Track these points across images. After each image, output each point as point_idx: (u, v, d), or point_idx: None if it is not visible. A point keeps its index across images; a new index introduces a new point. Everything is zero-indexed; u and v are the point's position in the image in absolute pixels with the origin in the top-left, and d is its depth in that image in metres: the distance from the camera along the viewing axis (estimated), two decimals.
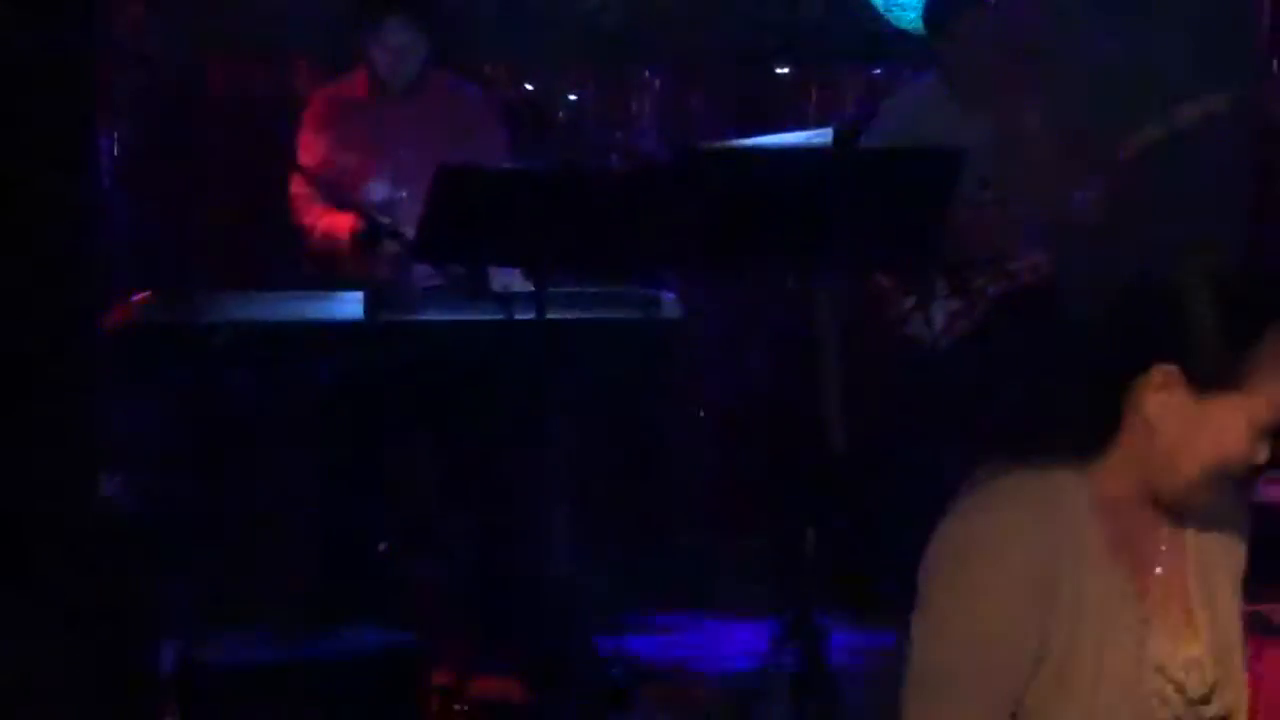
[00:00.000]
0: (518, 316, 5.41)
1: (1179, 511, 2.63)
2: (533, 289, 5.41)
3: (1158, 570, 2.64)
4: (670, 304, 5.90)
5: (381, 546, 6.35)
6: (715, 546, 7.35)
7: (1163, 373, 2.53)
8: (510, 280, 5.82)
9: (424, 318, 5.59)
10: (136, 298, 5.35)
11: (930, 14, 6.70)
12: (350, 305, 5.40)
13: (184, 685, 4.89)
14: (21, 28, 4.46)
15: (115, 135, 6.88)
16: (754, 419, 7.56)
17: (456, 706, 5.38)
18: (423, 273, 5.71)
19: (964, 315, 6.56)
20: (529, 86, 7.26)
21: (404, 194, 5.82)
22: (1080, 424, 2.62)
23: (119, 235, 6.82)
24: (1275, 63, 7.67)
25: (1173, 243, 2.68)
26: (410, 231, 5.47)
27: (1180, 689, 2.60)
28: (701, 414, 7.61)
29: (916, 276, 6.50)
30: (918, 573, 2.70)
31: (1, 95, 4.36)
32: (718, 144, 6.02)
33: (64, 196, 4.57)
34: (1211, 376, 2.52)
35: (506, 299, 5.53)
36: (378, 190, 5.96)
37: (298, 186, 6.04)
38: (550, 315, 5.25)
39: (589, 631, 5.49)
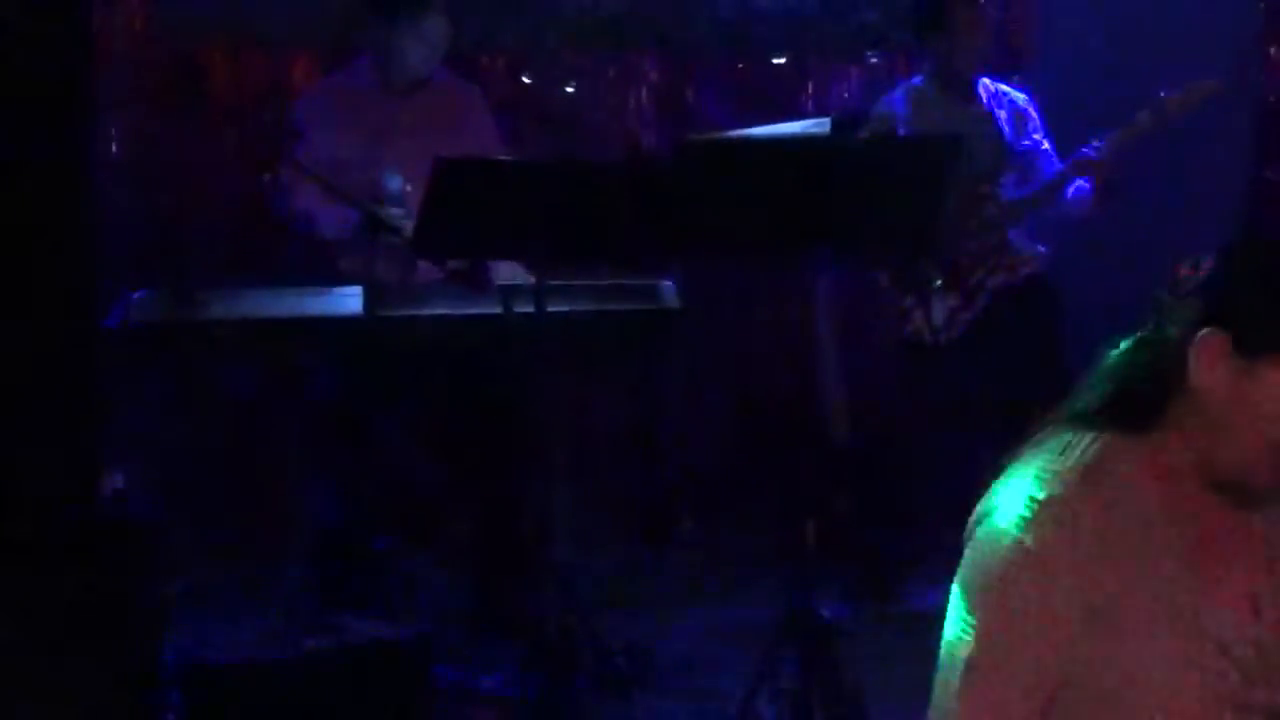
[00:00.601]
0: (517, 309, 5.42)
1: (1242, 492, 2.49)
2: (534, 282, 5.44)
3: (1221, 547, 2.49)
4: (669, 295, 5.90)
5: (383, 542, 6.35)
6: (717, 536, 7.35)
7: (1209, 338, 2.42)
8: (514, 273, 5.83)
9: (423, 312, 5.59)
10: (136, 295, 5.35)
11: (920, 12, 6.72)
12: (350, 300, 5.39)
13: (185, 682, 4.89)
14: (19, 23, 4.46)
15: (113, 131, 6.87)
16: (755, 410, 7.57)
17: (460, 699, 5.38)
18: (424, 270, 5.71)
19: (964, 310, 6.57)
20: (526, 78, 7.25)
21: (409, 187, 5.81)
22: (1131, 390, 2.51)
23: (118, 232, 6.81)
24: (1273, 49, 7.67)
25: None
26: (409, 227, 5.46)
27: (1242, 668, 2.46)
28: (701, 404, 7.61)
29: (917, 267, 6.50)
30: (959, 554, 2.56)
31: None
32: (715, 134, 6.01)
33: (62, 194, 4.57)
34: (1260, 339, 2.41)
35: (506, 292, 5.54)
36: (389, 181, 5.93)
37: (287, 175, 6.01)
38: (549, 308, 5.26)
39: (593, 622, 5.49)
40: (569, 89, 7.36)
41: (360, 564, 5.92)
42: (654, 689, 5.66)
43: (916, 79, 6.76)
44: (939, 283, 6.52)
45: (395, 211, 5.77)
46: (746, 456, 7.48)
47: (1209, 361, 2.42)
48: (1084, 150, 6.45)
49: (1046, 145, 6.71)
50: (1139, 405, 2.50)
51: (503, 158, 6.00)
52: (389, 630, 5.19)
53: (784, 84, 7.70)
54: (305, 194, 5.90)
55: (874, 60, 7.40)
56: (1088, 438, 2.50)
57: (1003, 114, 6.68)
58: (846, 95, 7.70)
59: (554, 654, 5.23)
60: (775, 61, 7.68)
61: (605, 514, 7.27)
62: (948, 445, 6.93)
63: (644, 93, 7.57)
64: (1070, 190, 6.54)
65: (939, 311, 6.51)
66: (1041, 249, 6.68)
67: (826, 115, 4.95)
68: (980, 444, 7.17)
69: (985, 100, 6.69)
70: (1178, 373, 2.45)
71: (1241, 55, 7.36)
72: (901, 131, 6.52)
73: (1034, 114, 6.76)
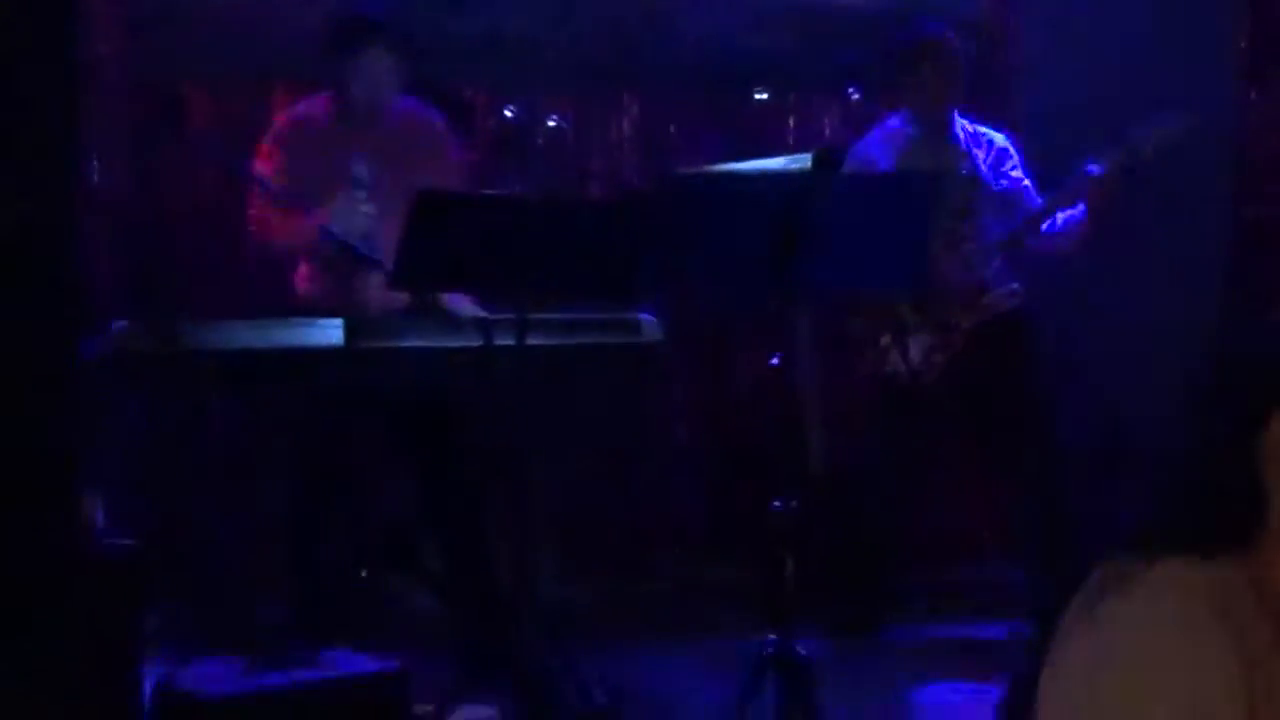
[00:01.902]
0: (498, 343, 5.42)
1: None
2: (486, 315, 5.45)
3: None
4: (650, 328, 5.91)
5: (363, 573, 6.35)
6: (696, 571, 7.35)
7: None
8: (463, 307, 5.84)
9: (404, 344, 5.58)
10: (117, 326, 5.34)
11: (892, 56, 6.74)
12: (330, 332, 5.39)
13: (165, 714, 4.88)
14: (2, 55, 4.46)
15: (95, 163, 6.87)
16: (734, 443, 7.57)
17: None
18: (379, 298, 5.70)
19: (940, 349, 6.58)
20: (509, 113, 7.26)
21: (384, 228, 5.81)
22: (1218, 505, 2.10)
23: (98, 263, 6.81)
24: (1252, 91, 7.70)
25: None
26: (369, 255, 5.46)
27: None
28: (681, 438, 7.62)
29: (893, 307, 6.52)
30: (1046, 677, 2.12)
31: None
32: (697, 170, 6.03)
33: (43, 225, 4.57)
34: None
35: (486, 325, 5.54)
36: (355, 166, 5.95)
37: (258, 209, 6.03)
38: (530, 341, 5.26)
39: (571, 657, 5.48)
40: (551, 124, 7.37)
41: (340, 597, 5.91)
42: None
43: (892, 120, 6.78)
44: (916, 321, 6.54)
45: (359, 194, 5.83)
46: (725, 491, 7.48)
47: None
48: (1089, 168, 6.42)
49: (1027, 183, 6.72)
50: (1231, 521, 2.10)
51: (484, 192, 6.01)
52: (368, 663, 5.19)
53: (766, 120, 7.72)
54: (274, 223, 5.94)
55: (855, 96, 7.41)
56: (1186, 567, 2.09)
57: (980, 154, 6.71)
58: (828, 131, 7.72)
59: (533, 688, 5.23)
60: (757, 97, 7.70)
61: (584, 548, 7.27)
62: (925, 481, 6.95)
63: (626, 128, 7.59)
64: (1060, 219, 6.53)
65: (915, 351, 6.53)
66: (1016, 286, 6.69)
67: (808, 151, 4.96)
68: (957, 481, 7.20)
69: (963, 140, 6.71)
70: (1250, 479, 2.08)
71: (1221, 96, 7.39)
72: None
73: (1014, 153, 6.78)
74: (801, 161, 4.92)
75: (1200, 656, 2.00)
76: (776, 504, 4.65)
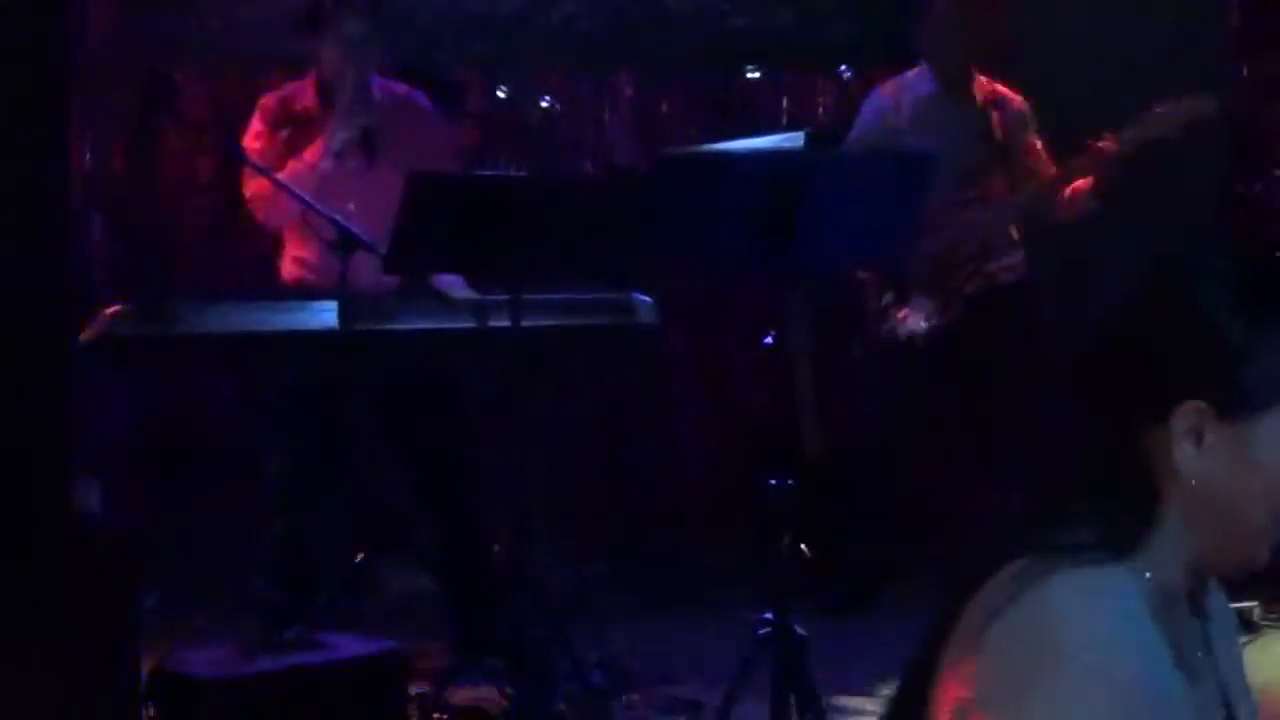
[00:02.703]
0: (493, 324, 5.42)
1: (1230, 578, 2.10)
2: (477, 297, 5.45)
3: (1203, 676, 2.07)
4: (645, 309, 5.91)
5: (358, 555, 6.36)
6: (692, 551, 7.36)
7: (1188, 413, 1.97)
8: (453, 289, 5.84)
9: (398, 327, 5.58)
10: (111, 310, 5.34)
11: (915, 9, 6.68)
12: (325, 315, 5.39)
13: (161, 696, 4.89)
14: None
15: (88, 147, 6.87)
16: (730, 422, 7.58)
17: (436, 715, 5.38)
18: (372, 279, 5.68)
19: (942, 313, 6.56)
20: (501, 93, 7.25)
21: (351, 205, 5.79)
22: (1111, 506, 2.01)
23: (93, 247, 6.82)
24: (1244, 67, 7.71)
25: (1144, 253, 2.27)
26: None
27: None
28: (677, 418, 7.62)
29: (894, 275, 6.51)
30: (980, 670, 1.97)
31: None
32: (691, 149, 6.02)
33: (37, 209, 4.57)
34: (1250, 394, 1.97)
35: (480, 307, 5.54)
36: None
37: (252, 189, 6.00)
38: (525, 322, 5.26)
39: (568, 636, 5.49)
40: (544, 104, 7.36)
41: (336, 579, 5.91)
42: (631, 702, 5.67)
43: (910, 73, 6.73)
44: (920, 283, 6.52)
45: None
46: (722, 470, 7.49)
47: (1195, 442, 1.98)
48: (1101, 143, 6.39)
49: (1040, 147, 6.69)
50: (1123, 524, 2.01)
51: (477, 173, 6.00)
52: (365, 645, 5.19)
53: (758, 98, 7.72)
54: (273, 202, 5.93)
55: (848, 74, 7.41)
56: (1082, 570, 1.98)
57: (997, 115, 6.66)
58: (821, 109, 7.72)
59: (531, 668, 5.23)
60: (750, 76, 7.69)
61: (581, 527, 7.28)
62: (921, 453, 6.95)
63: (620, 107, 7.59)
64: (1068, 190, 6.53)
65: (917, 312, 6.51)
66: (1021, 254, 6.67)
67: (801, 129, 4.95)
68: (953, 453, 7.18)
69: (980, 100, 6.67)
70: (1147, 469, 2.01)
71: (1213, 70, 7.39)
72: (895, 127, 6.53)
73: (1029, 117, 6.73)
74: (794, 140, 4.91)
75: (1151, 649, 1.94)
76: (772, 482, 4.65)
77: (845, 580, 6.83)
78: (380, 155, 5.91)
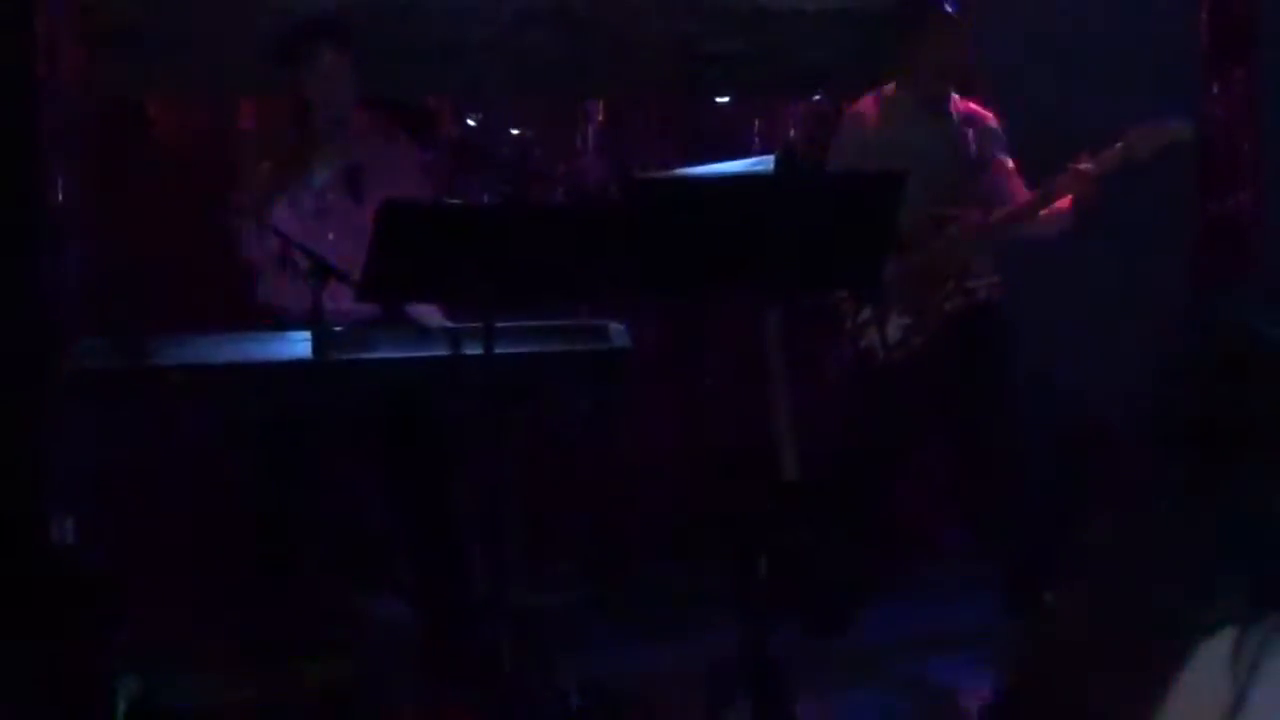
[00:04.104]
0: (466, 352, 5.43)
1: None
2: (454, 326, 5.46)
3: None
4: (619, 334, 5.92)
5: (335, 584, 6.35)
6: (669, 575, 7.36)
7: None
8: (431, 318, 5.85)
9: (373, 356, 5.59)
10: (85, 342, 5.34)
11: (897, 20, 6.68)
12: (299, 345, 5.39)
13: None
14: None
15: (60, 178, 6.86)
16: (705, 446, 7.58)
17: None
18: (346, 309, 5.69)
19: (918, 331, 6.57)
20: (471, 121, 7.27)
21: (330, 235, 5.81)
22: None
23: (67, 279, 6.81)
24: (1215, 83, 7.74)
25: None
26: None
27: None
28: (652, 443, 7.62)
29: (869, 293, 6.51)
30: None
31: None
32: (661, 174, 6.04)
33: (10, 242, 4.58)
34: None
35: (455, 335, 5.55)
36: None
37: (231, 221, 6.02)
38: (499, 349, 5.27)
39: (547, 660, 5.49)
40: (515, 131, 7.38)
41: (313, 606, 5.91)
42: None
43: (888, 89, 6.74)
44: (898, 300, 6.52)
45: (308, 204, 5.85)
46: (697, 494, 7.49)
47: None
48: (1080, 165, 6.41)
49: (1012, 167, 6.71)
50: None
51: (449, 201, 6.01)
52: (343, 671, 5.19)
53: (729, 124, 7.73)
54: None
55: (819, 99, 7.43)
56: None
57: (970, 133, 6.67)
58: (792, 134, 7.73)
59: (509, 694, 5.23)
60: (720, 101, 7.71)
61: (557, 555, 7.28)
62: (895, 473, 6.95)
63: (590, 133, 7.60)
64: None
65: (893, 329, 6.52)
66: (998, 278, 6.68)
67: (771, 154, 4.97)
68: (927, 473, 7.19)
69: (956, 119, 6.68)
70: None
71: (1183, 88, 7.42)
72: (869, 140, 6.53)
73: (1001, 135, 6.75)
74: (765, 164, 4.93)
75: None
76: (748, 507, 4.66)
77: (822, 602, 6.83)
78: (364, 192, 5.91)
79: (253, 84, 6.95)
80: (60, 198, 6.90)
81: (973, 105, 6.72)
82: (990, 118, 6.72)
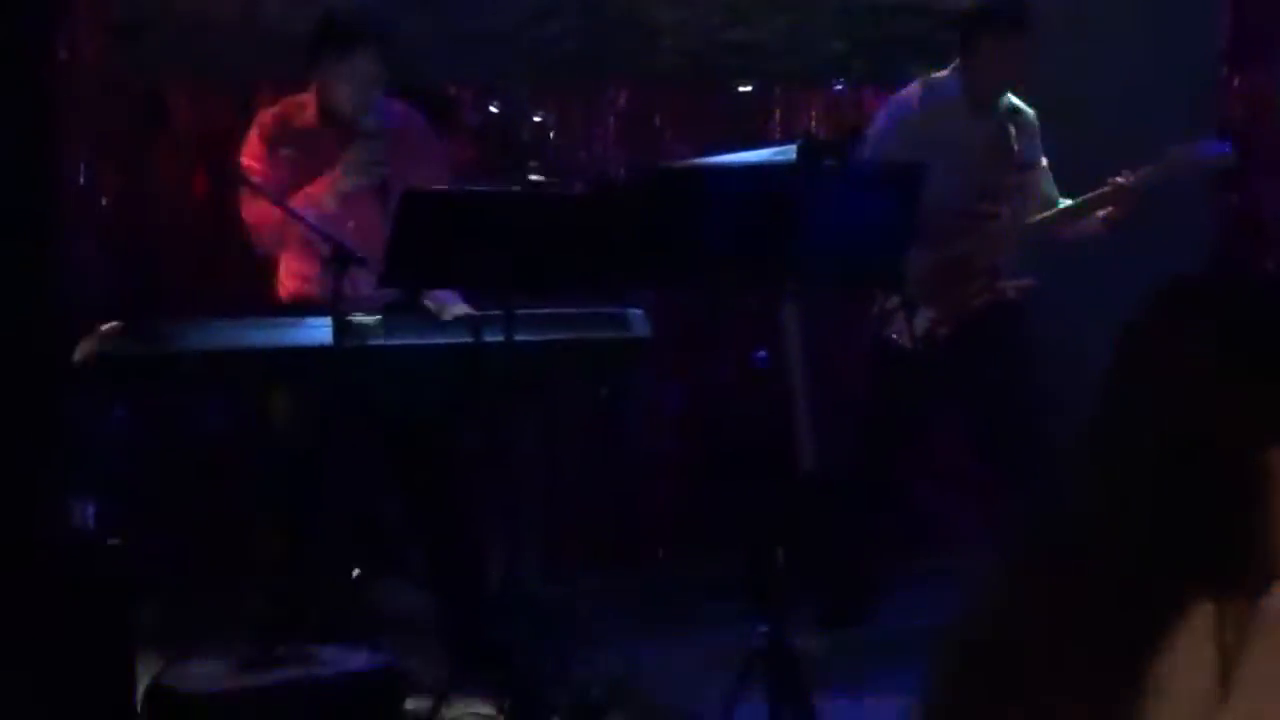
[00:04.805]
0: (486, 339, 5.42)
1: None
2: (474, 312, 5.45)
3: None
4: (638, 322, 5.91)
5: (355, 572, 6.35)
6: (687, 565, 7.36)
7: None
8: (454, 306, 5.85)
9: (392, 343, 5.59)
10: (105, 328, 5.34)
11: (967, 27, 6.64)
12: (319, 332, 5.39)
13: (156, 714, 4.88)
14: None
15: (79, 166, 6.87)
16: (723, 437, 7.57)
17: None
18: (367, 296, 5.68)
19: (945, 323, 6.56)
20: (493, 108, 7.26)
21: (351, 223, 5.81)
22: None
23: (86, 266, 6.81)
24: (1235, 79, 7.73)
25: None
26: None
27: None
28: (671, 432, 7.62)
29: (889, 287, 6.49)
30: None
31: None
32: (682, 163, 6.03)
33: (29, 228, 4.58)
34: None
35: (475, 322, 5.55)
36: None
37: (250, 212, 5.99)
38: (518, 337, 5.26)
39: (564, 652, 5.49)
40: (537, 119, 7.38)
41: (331, 594, 5.91)
42: (626, 718, 5.67)
43: (938, 79, 6.70)
44: (928, 292, 6.51)
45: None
46: (716, 483, 7.48)
47: None
48: (1119, 178, 6.43)
49: (1046, 165, 6.70)
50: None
51: (471, 189, 6.00)
52: (359, 661, 5.19)
53: (750, 112, 7.72)
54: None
55: (839, 89, 7.42)
56: None
57: (1013, 130, 6.64)
58: (812, 123, 7.72)
59: (526, 684, 5.23)
60: (741, 90, 7.70)
61: (575, 543, 7.28)
62: (917, 467, 6.94)
63: (611, 122, 7.59)
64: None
65: (921, 320, 6.51)
66: (1031, 279, 6.66)
67: (792, 143, 4.96)
68: (950, 466, 7.18)
69: (1002, 115, 6.65)
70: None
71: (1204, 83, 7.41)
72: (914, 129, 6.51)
73: (1038, 133, 6.73)
74: (786, 154, 4.92)
75: None
76: (767, 497, 4.65)
77: (841, 593, 6.82)
78: (389, 195, 5.88)
79: (271, 72, 6.94)
80: (80, 183, 6.90)
81: (1014, 99, 6.69)
82: (1031, 113, 6.69)
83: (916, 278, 6.35)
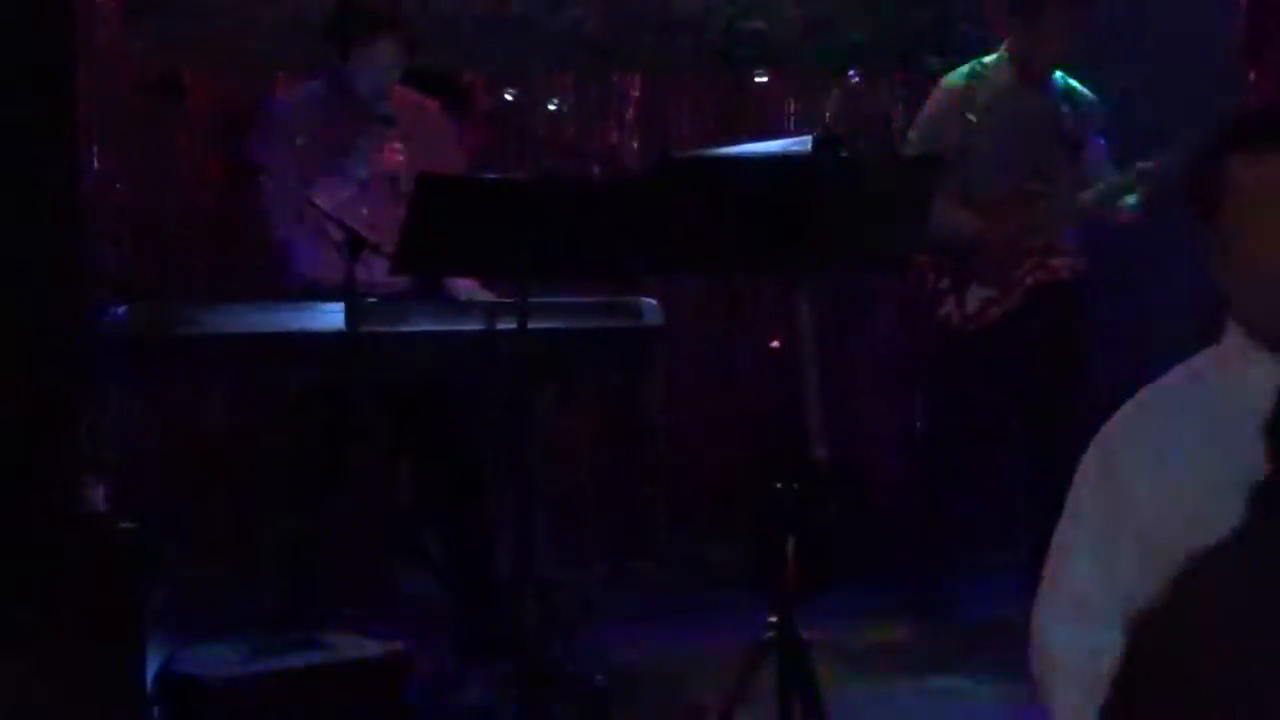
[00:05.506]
0: (499, 327, 5.43)
1: None
2: (495, 298, 5.45)
3: None
4: (651, 311, 5.92)
5: (365, 557, 6.37)
6: (697, 553, 7.36)
7: None
8: (473, 291, 5.85)
9: (406, 329, 5.59)
10: (120, 310, 5.35)
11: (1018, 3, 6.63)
12: (332, 316, 5.39)
13: (167, 697, 4.90)
14: (1, 42, 4.47)
15: (96, 147, 6.88)
16: (735, 426, 7.58)
17: (441, 715, 5.39)
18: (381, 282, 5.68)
19: (997, 303, 6.56)
20: (509, 95, 7.27)
21: (365, 209, 5.82)
22: None
23: (102, 248, 6.82)
24: (1251, 72, 7.70)
25: None
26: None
27: None
28: (683, 420, 7.62)
29: (952, 261, 6.49)
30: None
31: None
32: (697, 152, 6.02)
33: (46, 209, 4.58)
34: None
35: (489, 309, 5.55)
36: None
37: (264, 198, 6.00)
38: (532, 325, 5.26)
39: (572, 638, 5.50)
40: (552, 106, 7.38)
41: (342, 579, 5.92)
42: (633, 707, 5.67)
43: (993, 57, 6.69)
44: (980, 271, 6.51)
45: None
46: (727, 473, 7.49)
47: None
48: (1139, 164, 6.43)
49: (1102, 145, 6.69)
50: None
51: (485, 175, 6.00)
52: (369, 647, 5.20)
53: (767, 102, 7.72)
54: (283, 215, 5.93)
55: (855, 79, 7.41)
56: None
57: (1068, 111, 6.63)
58: (828, 114, 7.71)
59: (534, 671, 5.24)
60: (757, 80, 7.70)
61: (586, 531, 7.29)
62: (982, 454, 6.90)
63: (627, 110, 7.59)
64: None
65: (972, 300, 6.50)
66: (1084, 260, 6.66)
67: (808, 133, 4.96)
68: (1008, 452, 7.11)
69: (1056, 94, 6.65)
70: None
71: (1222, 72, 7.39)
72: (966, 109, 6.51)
73: (1099, 116, 6.72)
74: (802, 143, 4.91)
75: None
76: (778, 485, 4.65)
77: (920, 581, 6.83)
78: (403, 182, 5.88)
79: (289, 57, 6.95)
80: (96, 165, 6.91)
81: (1072, 81, 6.68)
82: (1089, 95, 6.69)
83: (968, 256, 6.36)
